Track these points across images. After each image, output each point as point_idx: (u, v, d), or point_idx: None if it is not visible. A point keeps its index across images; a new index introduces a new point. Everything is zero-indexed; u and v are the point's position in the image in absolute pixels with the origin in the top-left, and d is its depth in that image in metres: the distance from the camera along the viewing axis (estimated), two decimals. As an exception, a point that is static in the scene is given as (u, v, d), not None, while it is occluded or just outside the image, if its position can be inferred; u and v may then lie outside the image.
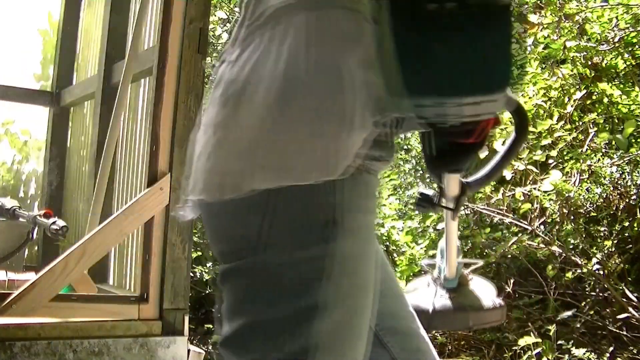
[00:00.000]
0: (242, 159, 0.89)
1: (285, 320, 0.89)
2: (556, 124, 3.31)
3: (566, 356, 2.99)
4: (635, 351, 3.00)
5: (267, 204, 0.88)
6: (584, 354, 2.93)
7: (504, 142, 3.54)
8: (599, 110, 3.51)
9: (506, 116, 3.36)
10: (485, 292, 1.61)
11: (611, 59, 3.51)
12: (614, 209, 3.38)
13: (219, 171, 0.91)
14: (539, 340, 2.95)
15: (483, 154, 1.09)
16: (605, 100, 3.48)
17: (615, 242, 3.30)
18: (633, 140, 3.43)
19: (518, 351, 3.03)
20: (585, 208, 3.43)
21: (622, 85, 3.54)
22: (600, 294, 3.24)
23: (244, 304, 0.92)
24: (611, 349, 3.03)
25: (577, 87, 3.47)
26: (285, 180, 0.87)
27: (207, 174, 0.92)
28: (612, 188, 3.43)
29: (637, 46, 3.46)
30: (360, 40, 0.90)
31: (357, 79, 0.88)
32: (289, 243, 0.89)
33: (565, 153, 3.43)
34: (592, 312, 3.20)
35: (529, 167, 3.28)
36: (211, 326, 3.96)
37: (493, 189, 3.39)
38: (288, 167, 0.88)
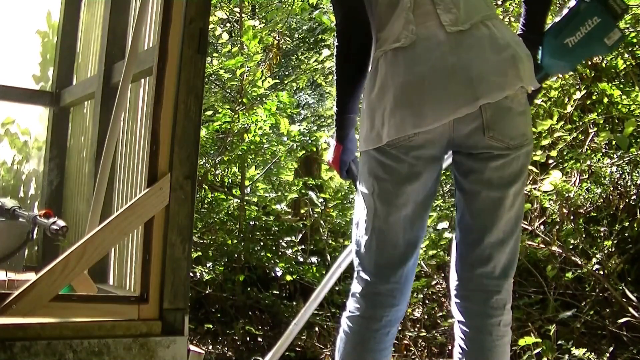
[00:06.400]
0: None
1: None
2: (556, 124, 3.31)
3: (566, 356, 2.99)
4: (635, 351, 3.00)
5: None
6: (584, 354, 2.93)
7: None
8: (599, 110, 3.51)
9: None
10: None
11: (611, 59, 3.51)
12: (614, 209, 3.38)
13: None
14: (539, 340, 2.95)
15: None
16: (605, 100, 3.48)
17: (615, 242, 3.30)
18: (633, 140, 3.43)
19: (518, 351, 3.03)
20: (585, 208, 3.43)
21: (622, 85, 3.54)
22: (600, 294, 3.24)
23: None
24: (611, 349, 3.03)
25: (577, 87, 3.47)
26: None
27: None
28: (612, 188, 3.43)
29: (637, 46, 3.46)
30: None
31: None
32: None
33: (565, 153, 3.43)
34: (592, 312, 3.20)
35: (529, 167, 3.28)
36: (211, 326, 3.96)
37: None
38: None
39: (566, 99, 3.48)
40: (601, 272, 3.21)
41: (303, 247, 4.31)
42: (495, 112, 1.57)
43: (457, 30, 1.58)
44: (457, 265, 1.71)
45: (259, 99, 4.65)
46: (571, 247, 3.31)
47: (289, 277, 4.06)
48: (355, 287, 1.73)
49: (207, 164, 4.49)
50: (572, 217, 3.36)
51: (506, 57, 1.57)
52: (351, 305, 1.73)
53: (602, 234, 3.37)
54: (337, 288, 3.68)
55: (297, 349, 3.76)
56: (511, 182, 1.63)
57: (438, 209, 3.67)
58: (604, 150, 3.46)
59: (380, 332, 1.69)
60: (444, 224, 3.52)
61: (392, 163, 1.63)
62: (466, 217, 1.68)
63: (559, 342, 3.05)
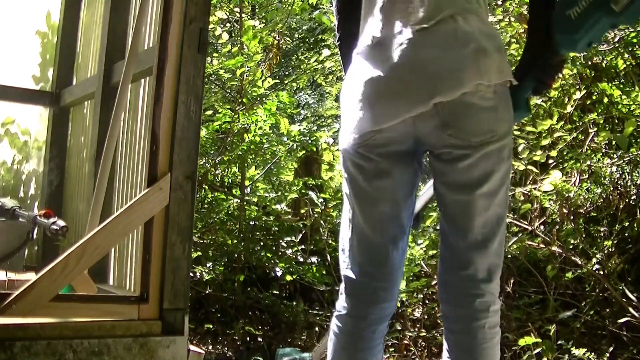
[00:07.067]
0: None
1: None
2: (556, 124, 3.31)
3: (566, 356, 2.99)
4: (635, 351, 3.00)
5: None
6: (584, 354, 2.93)
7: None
8: (599, 110, 3.52)
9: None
10: None
11: (611, 59, 3.51)
12: (614, 209, 3.38)
13: None
14: (539, 340, 2.95)
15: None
16: (605, 100, 3.49)
17: (615, 242, 3.30)
18: (633, 140, 3.43)
19: (518, 351, 3.03)
20: (585, 208, 3.43)
21: (622, 85, 3.54)
22: (600, 294, 3.24)
23: None
24: (611, 349, 3.03)
25: (577, 87, 3.47)
26: None
27: None
28: (612, 188, 3.43)
29: (637, 46, 3.46)
30: None
31: None
32: None
33: (565, 153, 3.43)
34: (592, 312, 3.20)
35: (529, 167, 3.28)
36: (211, 326, 3.96)
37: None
38: None
39: (566, 99, 3.48)
40: (601, 272, 3.21)
41: (303, 247, 4.31)
42: (454, 109, 1.52)
43: (421, 28, 1.55)
44: (440, 268, 1.69)
45: (259, 99, 4.65)
46: (571, 247, 3.31)
47: (289, 277, 4.06)
48: (342, 286, 1.75)
49: (207, 164, 4.48)
50: (572, 217, 3.36)
51: (467, 52, 1.51)
52: (339, 304, 1.74)
53: (602, 234, 3.37)
54: (337, 288, 3.68)
55: (297, 349, 3.76)
56: (481, 183, 1.56)
57: (438, 209, 3.66)
58: (604, 150, 3.47)
59: (367, 330, 1.69)
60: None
61: (361, 161, 1.65)
62: (442, 220, 1.67)
63: (559, 342, 3.05)
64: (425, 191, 1.99)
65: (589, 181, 3.48)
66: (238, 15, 5.23)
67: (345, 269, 1.73)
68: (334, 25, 1.82)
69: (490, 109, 1.53)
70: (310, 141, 4.58)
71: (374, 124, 1.59)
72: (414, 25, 1.56)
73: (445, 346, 1.67)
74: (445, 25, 1.54)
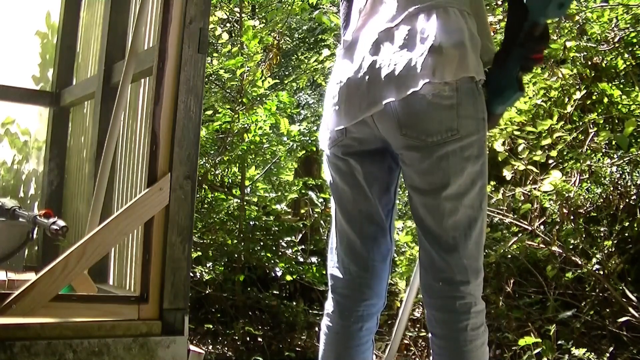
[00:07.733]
0: None
1: None
2: (556, 124, 3.31)
3: (566, 356, 2.99)
4: (635, 351, 3.00)
5: None
6: (584, 354, 2.93)
7: (503, 143, 3.54)
8: (599, 110, 3.52)
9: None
10: None
11: (611, 59, 3.51)
12: (614, 209, 3.38)
13: None
14: (539, 340, 2.95)
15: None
16: (605, 100, 3.49)
17: (615, 242, 3.30)
18: (633, 140, 3.43)
19: (518, 351, 3.04)
20: (585, 208, 3.43)
21: (622, 85, 3.54)
22: (600, 294, 3.24)
23: None
24: (611, 349, 3.03)
25: (577, 87, 3.47)
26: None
27: None
28: (612, 188, 3.43)
29: (637, 46, 3.47)
30: None
31: None
32: None
33: (565, 153, 3.43)
34: (592, 312, 3.20)
35: (529, 167, 3.28)
36: (211, 326, 3.96)
37: (493, 189, 3.40)
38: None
39: (566, 99, 3.48)
40: (601, 272, 3.21)
41: (303, 247, 4.31)
42: (408, 109, 1.50)
43: (385, 28, 1.55)
44: (420, 272, 1.67)
45: (259, 99, 4.65)
46: (571, 247, 3.32)
47: (289, 277, 4.06)
48: (329, 285, 1.78)
49: (207, 164, 4.48)
50: (572, 217, 3.36)
51: (420, 51, 1.48)
52: (327, 303, 1.77)
53: (602, 234, 3.37)
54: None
55: (297, 349, 3.76)
56: (445, 184, 1.51)
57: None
58: (604, 150, 3.46)
59: (354, 327, 1.71)
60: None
61: (337, 162, 1.70)
62: (415, 224, 1.65)
63: (559, 342, 3.05)
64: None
65: (589, 181, 3.48)
66: (238, 15, 5.23)
67: (332, 267, 1.76)
68: (339, 26, 1.86)
69: (449, 107, 1.48)
70: (310, 141, 4.58)
71: (336, 125, 1.64)
72: (381, 23, 1.57)
73: (431, 350, 1.66)
74: (406, 24, 1.53)
